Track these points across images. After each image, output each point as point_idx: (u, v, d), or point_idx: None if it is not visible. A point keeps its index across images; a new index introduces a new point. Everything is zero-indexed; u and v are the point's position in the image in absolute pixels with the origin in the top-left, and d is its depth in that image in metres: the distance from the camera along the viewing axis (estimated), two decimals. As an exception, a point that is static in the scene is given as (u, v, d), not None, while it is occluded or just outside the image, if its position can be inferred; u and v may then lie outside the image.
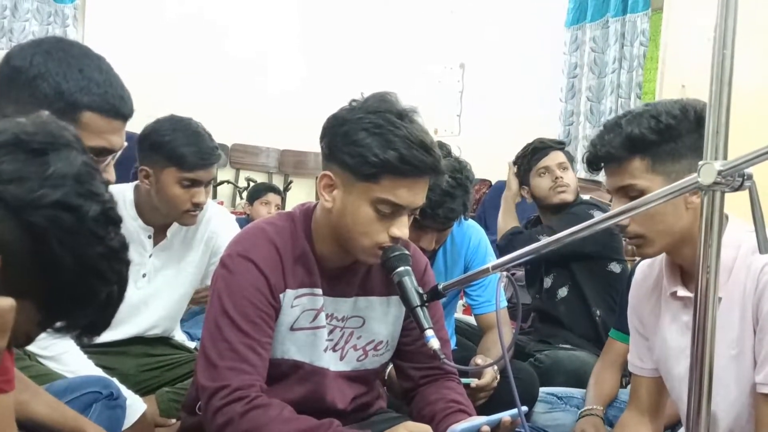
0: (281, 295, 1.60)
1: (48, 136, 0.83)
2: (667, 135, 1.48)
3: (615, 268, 2.88)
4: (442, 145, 1.93)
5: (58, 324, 0.86)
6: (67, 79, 1.32)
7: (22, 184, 0.78)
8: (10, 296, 0.76)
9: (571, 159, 3.07)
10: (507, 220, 3.02)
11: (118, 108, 1.38)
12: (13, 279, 0.77)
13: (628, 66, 5.46)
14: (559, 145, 3.05)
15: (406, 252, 1.57)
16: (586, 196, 3.95)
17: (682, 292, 1.57)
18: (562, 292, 2.91)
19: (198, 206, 2.19)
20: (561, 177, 2.89)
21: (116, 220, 0.85)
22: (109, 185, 0.89)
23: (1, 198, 0.77)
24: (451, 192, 2.14)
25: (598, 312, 2.83)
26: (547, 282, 2.98)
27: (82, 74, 1.33)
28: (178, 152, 2.12)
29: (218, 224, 2.38)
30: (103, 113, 1.35)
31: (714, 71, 1.02)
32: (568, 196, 2.89)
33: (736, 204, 1.20)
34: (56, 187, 0.79)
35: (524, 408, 1.56)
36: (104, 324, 0.89)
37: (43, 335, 0.89)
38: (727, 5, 1.02)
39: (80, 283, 0.82)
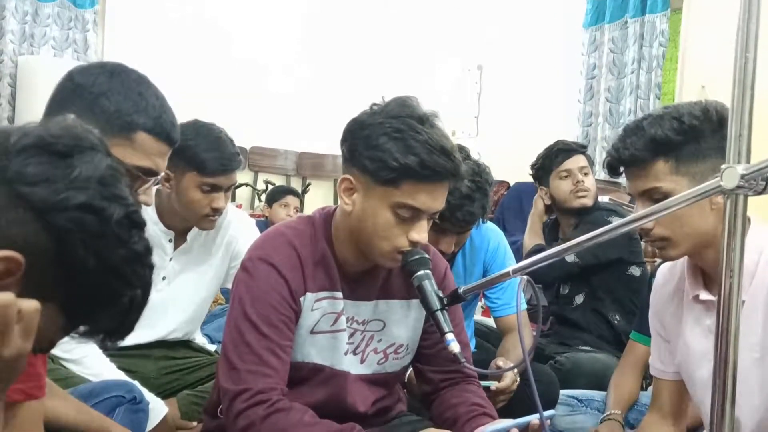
0: (301, 299, 1.61)
1: (73, 138, 0.83)
2: (691, 135, 1.47)
3: (635, 271, 2.87)
4: (461, 149, 1.93)
5: (81, 328, 0.86)
6: (127, 99, 1.42)
7: (47, 186, 0.78)
8: (34, 299, 0.76)
9: (591, 162, 3.06)
10: (532, 238, 3.03)
11: (169, 133, 1.48)
12: (37, 281, 0.77)
13: (647, 67, 5.42)
14: (582, 149, 3.05)
15: (426, 256, 1.57)
16: (605, 197, 3.94)
17: (704, 295, 1.56)
18: (579, 299, 2.91)
19: (217, 211, 2.20)
20: (582, 181, 2.89)
21: (140, 224, 0.85)
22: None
23: (26, 200, 0.77)
24: (470, 195, 2.14)
25: (616, 317, 2.82)
26: (564, 289, 2.97)
27: (141, 97, 1.43)
28: (199, 157, 2.13)
29: (238, 229, 2.39)
30: (155, 135, 1.45)
31: (736, 75, 1.02)
32: (588, 201, 2.89)
33: (759, 206, 1.20)
34: (81, 189, 0.79)
35: (551, 411, 1.56)
36: (128, 328, 0.89)
37: (65, 339, 0.89)
38: (750, 7, 1.01)
39: (103, 286, 0.82)
